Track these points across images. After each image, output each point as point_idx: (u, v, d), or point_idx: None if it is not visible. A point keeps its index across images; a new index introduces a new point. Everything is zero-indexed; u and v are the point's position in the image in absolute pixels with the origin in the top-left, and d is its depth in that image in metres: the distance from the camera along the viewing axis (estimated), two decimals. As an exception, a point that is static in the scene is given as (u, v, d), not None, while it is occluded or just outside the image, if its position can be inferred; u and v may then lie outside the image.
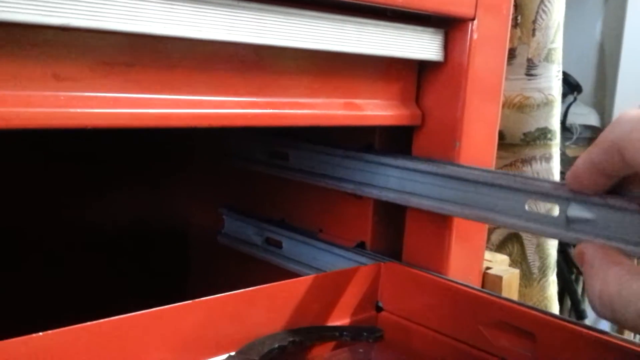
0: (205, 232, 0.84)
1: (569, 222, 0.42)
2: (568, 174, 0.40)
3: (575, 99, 1.98)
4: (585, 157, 0.37)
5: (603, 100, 2.14)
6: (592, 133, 2.08)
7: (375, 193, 0.57)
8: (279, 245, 0.71)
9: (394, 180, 0.56)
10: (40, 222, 0.87)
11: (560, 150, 0.98)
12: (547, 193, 0.44)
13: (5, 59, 0.34)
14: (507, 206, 0.47)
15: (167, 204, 0.95)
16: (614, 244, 0.39)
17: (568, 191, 0.42)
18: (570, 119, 1.97)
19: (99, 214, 0.92)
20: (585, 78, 2.06)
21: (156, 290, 0.89)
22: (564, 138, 1.73)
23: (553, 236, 0.45)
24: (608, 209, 0.40)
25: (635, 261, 0.40)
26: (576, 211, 0.42)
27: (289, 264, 0.69)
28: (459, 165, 0.52)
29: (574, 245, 0.41)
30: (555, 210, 0.43)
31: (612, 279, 0.34)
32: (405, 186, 0.55)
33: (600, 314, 0.34)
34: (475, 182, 0.49)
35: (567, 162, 1.48)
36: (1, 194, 0.81)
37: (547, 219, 0.44)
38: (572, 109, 1.97)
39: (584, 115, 2.05)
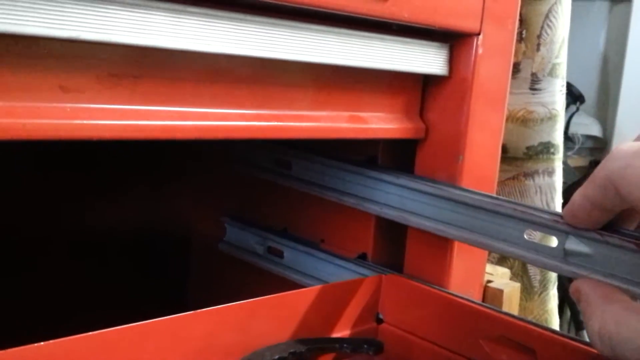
0: (207, 239, 0.84)
1: (566, 254, 0.43)
2: (565, 208, 0.40)
3: (577, 109, 1.98)
4: (581, 192, 0.38)
5: (605, 111, 2.15)
6: (594, 143, 2.08)
7: (375, 209, 0.57)
8: (280, 254, 0.71)
9: (394, 198, 0.56)
10: (42, 227, 0.87)
11: (562, 160, 0.98)
12: (546, 224, 0.44)
13: (13, 70, 0.34)
14: (506, 234, 0.47)
15: (169, 211, 0.95)
16: (610, 280, 0.39)
17: (567, 224, 0.42)
18: (573, 129, 1.97)
19: (101, 219, 0.92)
20: (588, 88, 2.07)
21: (157, 297, 0.89)
22: (566, 148, 1.73)
23: (550, 268, 0.45)
24: (605, 245, 0.40)
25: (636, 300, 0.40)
26: (574, 245, 0.42)
27: (290, 273, 0.69)
28: (460, 189, 0.52)
29: (570, 280, 0.41)
30: (554, 242, 0.43)
31: (610, 317, 0.34)
32: (405, 205, 0.55)
33: (601, 352, 0.34)
34: (476, 207, 0.49)
35: (568, 172, 1.48)
36: (2, 198, 0.81)
37: (545, 250, 0.45)
38: (574, 119, 1.98)
39: (587, 125, 2.05)
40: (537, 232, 0.45)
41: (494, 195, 0.51)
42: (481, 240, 0.49)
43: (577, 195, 0.38)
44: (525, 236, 0.46)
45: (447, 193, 0.51)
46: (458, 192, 0.51)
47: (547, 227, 0.44)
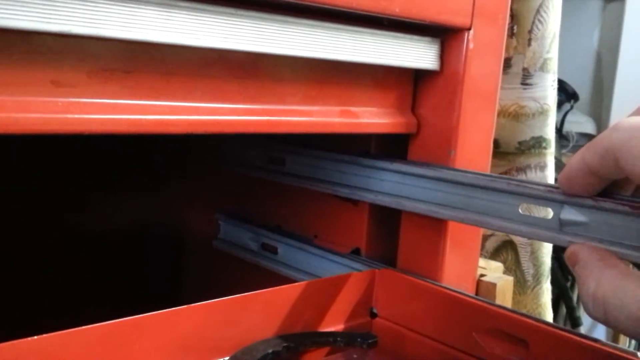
0: (201, 237, 0.84)
1: (562, 225, 0.43)
2: (560, 174, 0.40)
3: (572, 107, 1.98)
4: (578, 159, 0.38)
5: (600, 109, 2.15)
6: (588, 141, 2.07)
7: (370, 197, 0.58)
8: (274, 250, 0.71)
9: (389, 184, 0.56)
10: (37, 227, 0.88)
11: (557, 157, 0.99)
12: (541, 196, 0.44)
13: (4, 64, 0.34)
14: (501, 209, 0.47)
15: (163, 209, 0.95)
16: (606, 246, 0.40)
17: (561, 194, 0.42)
18: (567, 127, 1.97)
19: (95, 218, 0.92)
20: (582, 86, 2.07)
21: (151, 294, 0.89)
22: (560, 146, 1.73)
23: (546, 239, 0.45)
24: (600, 212, 0.40)
25: (630, 265, 0.40)
26: (569, 214, 0.42)
27: (284, 269, 0.69)
28: (453, 169, 0.53)
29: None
30: (549, 214, 0.44)
31: (606, 280, 0.34)
32: (400, 190, 0.55)
33: (593, 315, 0.34)
34: (470, 186, 0.49)
35: (562, 169, 1.49)
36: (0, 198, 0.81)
37: (540, 222, 0.45)
38: (568, 117, 1.98)
39: (581, 123, 2.05)
40: (532, 204, 0.45)
41: (487, 173, 0.51)
42: (476, 218, 0.49)
43: (575, 160, 0.38)
44: (519, 210, 0.46)
45: (441, 174, 0.52)
46: (451, 172, 0.51)
47: (542, 199, 0.44)
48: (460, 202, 0.50)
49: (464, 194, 0.50)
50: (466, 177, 0.50)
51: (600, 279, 0.34)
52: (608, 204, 0.40)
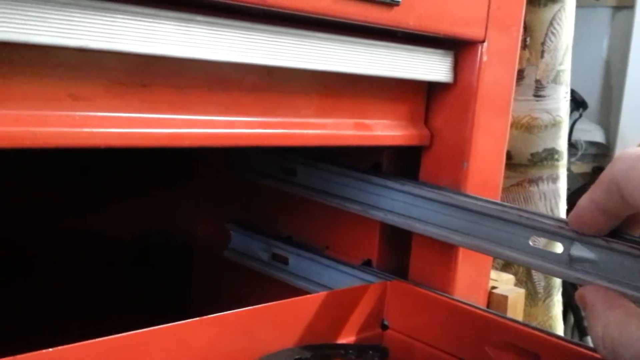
0: (211, 246, 0.84)
1: (571, 261, 0.43)
2: (570, 214, 0.41)
3: (580, 116, 1.98)
4: (587, 196, 0.38)
5: (608, 117, 2.15)
6: (597, 149, 2.08)
7: (380, 216, 0.58)
8: (285, 261, 0.71)
9: (399, 205, 0.56)
10: (43, 232, 0.88)
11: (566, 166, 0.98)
12: (551, 231, 0.44)
13: (22, 79, 0.34)
14: (512, 240, 0.47)
15: (174, 217, 0.95)
16: (615, 286, 0.40)
17: (572, 230, 0.42)
18: (576, 136, 1.97)
19: (104, 226, 0.92)
20: (591, 95, 2.07)
21: (160, 303, 0.89)
22: (569, 154, 1.73)
23: (556, 274, 0.45)
24: (611, 252, 0.40)
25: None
26: (579, 251, 0.42)
27: (294, 280, 0.69)
28: (465, 195, 0.53)
29: (575, 287, 0.41)
30: (559, 248, 0.44)
31: (613, 322, 0.35)
32: (410, 211, 0.55)
33: (604, 356, 0.35)
34: (481, 214, 0.49)
35: (572, 178, 1.48)
36: (6, 206, 0.82)
37: (550, 256, 0.45)
38: (577, 126, 1.98)
39: (590, 131, 2.05)
40: (542, 238, 0.45)
41: (499, 201, 0.51)
42: (486, 246, 0.49)
43: (584, 199, 0.38)
44: (530, 242, 0.46)
45: (452, 199, 0.52)
46: (463, 199, 0.51)
47: (553, 234, 0.44)
48: (470, 229, 0.50)
49: (475, 221, 0.50)
50: (477, 205, 0.50)
51: (607, 321, 0.35)
52: (619, 245, 0.40)
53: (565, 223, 0.43)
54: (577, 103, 1.93)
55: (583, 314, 0.42)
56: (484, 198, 0.51)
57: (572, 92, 1.80)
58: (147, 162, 0.92)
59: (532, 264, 0.46)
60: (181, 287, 0.93)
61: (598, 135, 2.08)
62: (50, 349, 0.37)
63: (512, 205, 0.50)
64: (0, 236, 0.80)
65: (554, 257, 0.44)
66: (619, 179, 0.34)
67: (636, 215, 0.38)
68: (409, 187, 0.55)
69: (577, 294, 0.40)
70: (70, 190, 0.90)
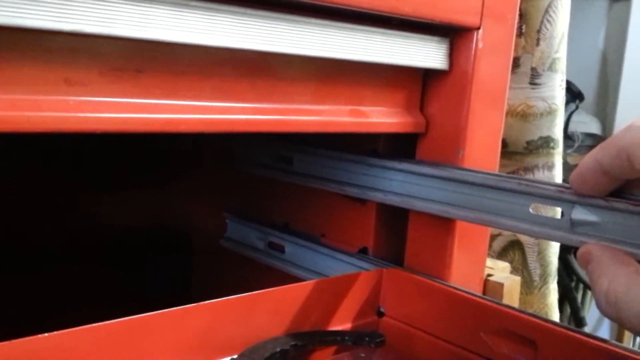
0: (208, 235, 0.84)
1: (573, 225, 0.43)
2: (572, 174, 0.40)
3: (577, 107, 1.98)
4: (591, 158, 0.38)
5: (605, 109, 2.15)
6: (593, 141, 2.08)
7: (379, 197, 0.58)
8: (281, 249, 0.71)
9: (397, 184, 0.56)
10: (42, 225, 0.88)
11: (562, 158, 0.98)
12: (551, 196, 0.44)
13: (16, 63, 0.34)
14: (511, 209, 0.47)
15: (171, 208, 0.96)
16: (619, 246, 0.39)
17: (572, 194, 0.42)
18: (572, 127, 1.97)
19: (103, 217, 0.92)
20: (588, 86, 2.07)
21: (159, 293, 0.89)
22: (565, 146, 1.72)
23: (557, 239, 0.45)
24: (612, 212, 0.40)
25: None
26: (580, 214, 0.42)
27: (291, 268, 0.69)
28: (463, 169, 0.53)
29: (575, 250, 0.41)
30: (560, 213, 0.44)
31: (619, 278, 0.34)
32: (409, 190, 0.55)
33: (605, 312, 0.34)
34: (480, 185, 0.49)
35: (568, 169, 1.49)
36: (5, 198, 0.82)
37: (551, 222, 0.45)
38: (574, 117, 1.97)
39: (586, 123, 2.05)
40: (543, 204, 0.45)
41: (497, 172, 0.51)
42: (487, 218, 0.49)
43: (588, 159, 0.38)
44: (530, 210, 0.46)
45: (451, 174, 0.51)
46: (461, 172, 0.51)
47: (553, 199, 0.44)
48: (470, 202, 0.50)
49: (474, 193, 0.50)
50: (476, 177, 0.50)
51: (613, 277, 0.35)
52: (620, 204, 0.40)
53: (565, 187, 0.43)
54: (574, 94, 1.93)
55: (585, 270, 0.41)
56: (482, 170, 0.51)
57: (569, 83, 1.80)
58: (146, 155, 0.92)
59: (533, 231, 0.46)
60: (181, 277, 0.93)
61: (594, 127, 2.08)
62: (46, 334, 0.37)
63: (510, 175, 0.49)
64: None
65: (556, 223, 0.44)
66: (631, 146, 0.34)
67: (636, 180, 0.38)
68: (406, 165, 0.55)
69: (580, 250, 0.39)
70: (68, 183, 0.90)
